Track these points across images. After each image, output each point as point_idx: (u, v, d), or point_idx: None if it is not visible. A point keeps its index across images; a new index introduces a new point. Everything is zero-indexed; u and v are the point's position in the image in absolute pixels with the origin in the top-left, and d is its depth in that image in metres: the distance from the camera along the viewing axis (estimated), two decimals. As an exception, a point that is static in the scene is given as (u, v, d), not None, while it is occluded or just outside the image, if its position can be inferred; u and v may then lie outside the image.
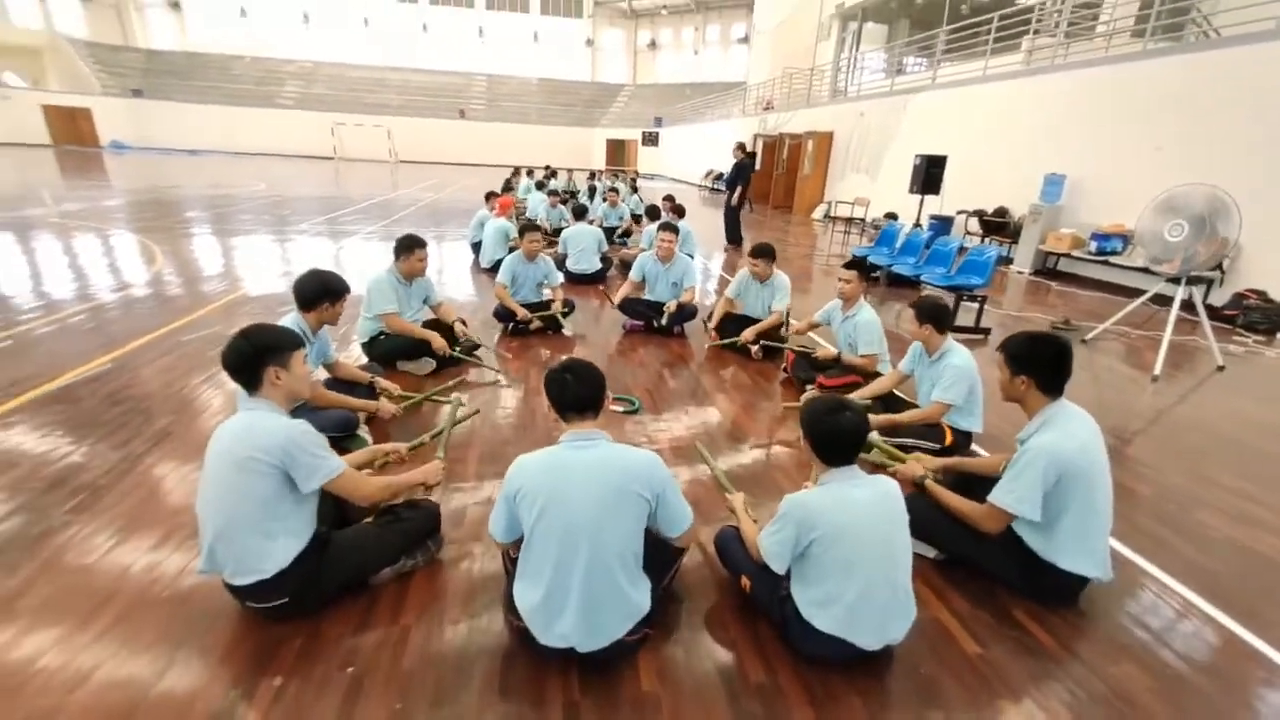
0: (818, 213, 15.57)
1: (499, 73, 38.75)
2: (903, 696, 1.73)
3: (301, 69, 36.19)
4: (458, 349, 4.06)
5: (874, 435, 2.87)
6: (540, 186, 11.99)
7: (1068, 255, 8.51)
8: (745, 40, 35.37)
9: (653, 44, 40.08)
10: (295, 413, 2.14)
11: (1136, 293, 7.61)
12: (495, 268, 6.99)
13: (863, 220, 12.21)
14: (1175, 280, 4.98)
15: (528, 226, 5.05)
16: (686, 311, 5.03)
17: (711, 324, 4.80)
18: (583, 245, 6.69)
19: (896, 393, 3.46)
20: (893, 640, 1.74)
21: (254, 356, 1.79)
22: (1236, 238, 4.57)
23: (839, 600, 1.69)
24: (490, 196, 7.75)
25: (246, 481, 1.71)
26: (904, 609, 1.75)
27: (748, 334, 4.50)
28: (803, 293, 4.90)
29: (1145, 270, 7.40)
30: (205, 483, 1.77)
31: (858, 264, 3.89)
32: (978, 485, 2.28)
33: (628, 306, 5.13)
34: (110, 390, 3.54)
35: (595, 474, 1.65)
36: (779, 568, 1.79)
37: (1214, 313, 6.79)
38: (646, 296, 5.24)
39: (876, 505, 1.75)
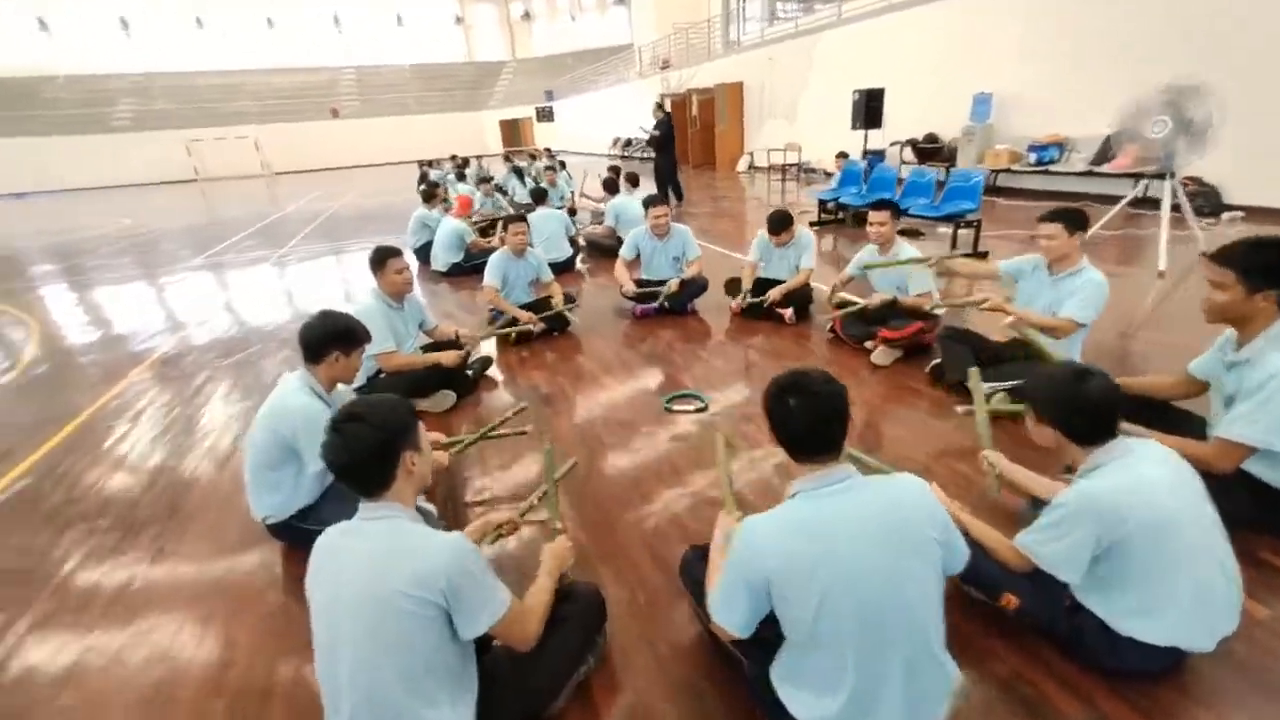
0: (741, 164, 15.42)
1: (367, 63, 35.69)
2: (1239, 694, 1.47)
3: (133, 84, 31.65)
4: (471, 368, 3.47)
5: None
6: (462, 176, 11.03)
7: (1007, 170, 8.75)
8: (622, 2, 34.42)
9: (526, 15, 38.17)
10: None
11: (1078, 196, 8.01)
12: (452, 272, 6.36)
13: (797, 166, 12.12)
14: (1159, 176, 5.06)
15: (512, 218, 4.42)
16: (696, 286, 4.60)
17: (741, 297, 4.38)
18: (548, 232, 6.07)
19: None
20: (1227, 633, 1.46)
21: (386, 445, 1.29)
22: (1214, 121, 4.61)
23: (1169, 604, 1.39)
24: (431, 197, 6.90)
25: (400, 630, 1.19)
26: (1235, 596, 1.47)
27: (775, 294, 4.15)
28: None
29: (1088, 173, 7.73)
30: (329, 638, 1.23)
31: (888, 204, 3.60)
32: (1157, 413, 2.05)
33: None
34: (48, 507, 2.71)
35: (876, 527, 1.19)
36: (1073, 576, 1.46)
37: (1148, 203, 7.21)
38: (644, 275, 4.77)
39: (1179, 478, 1.45)
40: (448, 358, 3.23)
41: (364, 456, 1.26)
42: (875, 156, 10.41)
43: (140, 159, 28.32)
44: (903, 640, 1.18)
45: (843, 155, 8.45)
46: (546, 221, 6.12)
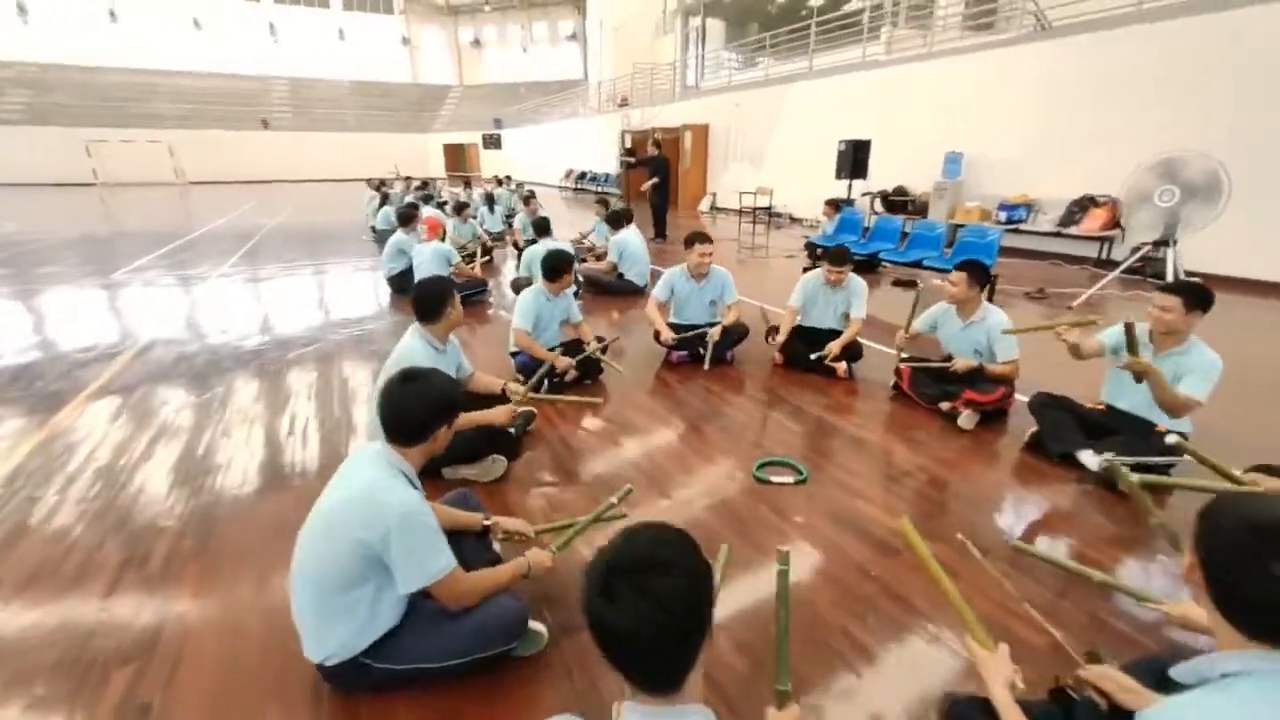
0: (703, 204, 15.55)
1: (303, 75, 33.96)
2: None
3: (24, 74, 28.48)
4: (515, 426, 2.93)
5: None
6: (428, 199, 10.33)
7: (961, 225, 9.11)
8: (574, 38, 34.84)
9: (476, 42, 37.84)
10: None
11: (1045, 255, 8.45)
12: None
13: (768, 210, 12.25)
14: (1164, 242, 5.26)
15: (561, 256, 3.83)
16: (736, 333, 4.26)
17: (779, 339, 4.10)
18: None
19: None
20: None
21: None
22: (1224, 206, 4.84)
23: None
24: (409, 219, 6.26)
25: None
26: None
27: (835, 346, 3.87)
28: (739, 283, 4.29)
29: (1056, 234, 8.15)
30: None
31: (968, 266, 3.41)
32: None
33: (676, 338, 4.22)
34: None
35: None
36: None
37: (1106, 264, 7.66)
38: (674, 319, 4.39)
39: None
40: (499, 415, 2.63)
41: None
42: (844, 204, 10.77)
43: (29, 156, 25.26)
44: None
45: (833, 203, 8.54)
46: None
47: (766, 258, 8.72)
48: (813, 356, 3.91)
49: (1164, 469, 2.58)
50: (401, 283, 6.10)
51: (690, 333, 4.17)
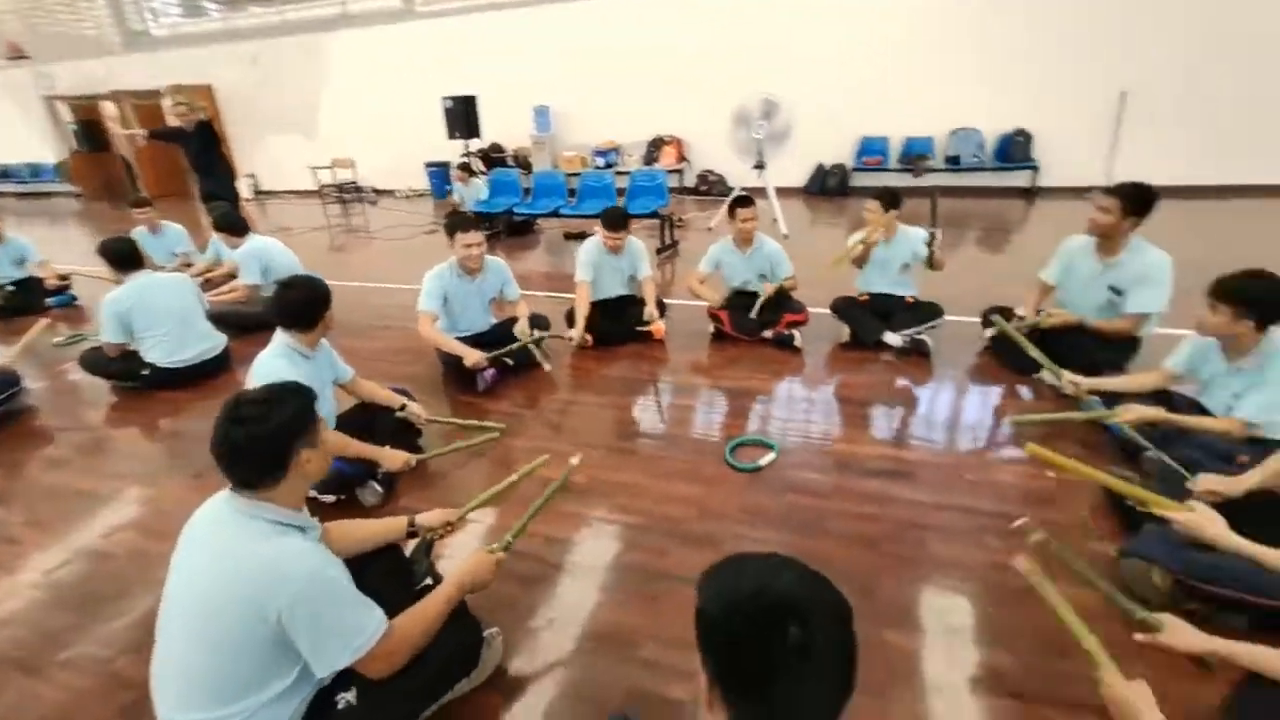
0: (243, 189, 12.12)
1: None
2: None
3: None
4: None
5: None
6: None
7: (576, 174, 9.85)
8: None
9: None
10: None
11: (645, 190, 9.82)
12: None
13: (355, 186, 10.42)
14: (760, 167, 6.65)
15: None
16: (540, 327, 3.58)
17: (580, 320, 3.64)
18: (180, 309, 3.49)
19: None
20: None
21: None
22: (790, 123, 6.39)
23: None
24: None
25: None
26: None
27: (653, 310, 3.69)
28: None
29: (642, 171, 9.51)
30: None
31: (741, 200, 3.68)
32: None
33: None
34: None
35: None
36: None
37: (690, 191, 9.55)
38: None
39: None
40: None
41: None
42: (440, 169, 10.17)
43: None
44: None
45: (466, 167, 7.83)
46: (168, 291, 3.51)
47: (404, 239, 7.51)
48: (639, 328, 3.69)
49: (932, 327, 3.47)
50: None
51: (503, 350, 3.30)
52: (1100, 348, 2.88)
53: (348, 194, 10.42)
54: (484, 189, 7.53)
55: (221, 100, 11.96)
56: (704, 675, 0.70)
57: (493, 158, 10.13)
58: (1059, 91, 7.45)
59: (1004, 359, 3.22)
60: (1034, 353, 2.77)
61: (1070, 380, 2.58)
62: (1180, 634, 1.21)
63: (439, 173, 10.39)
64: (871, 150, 8.51)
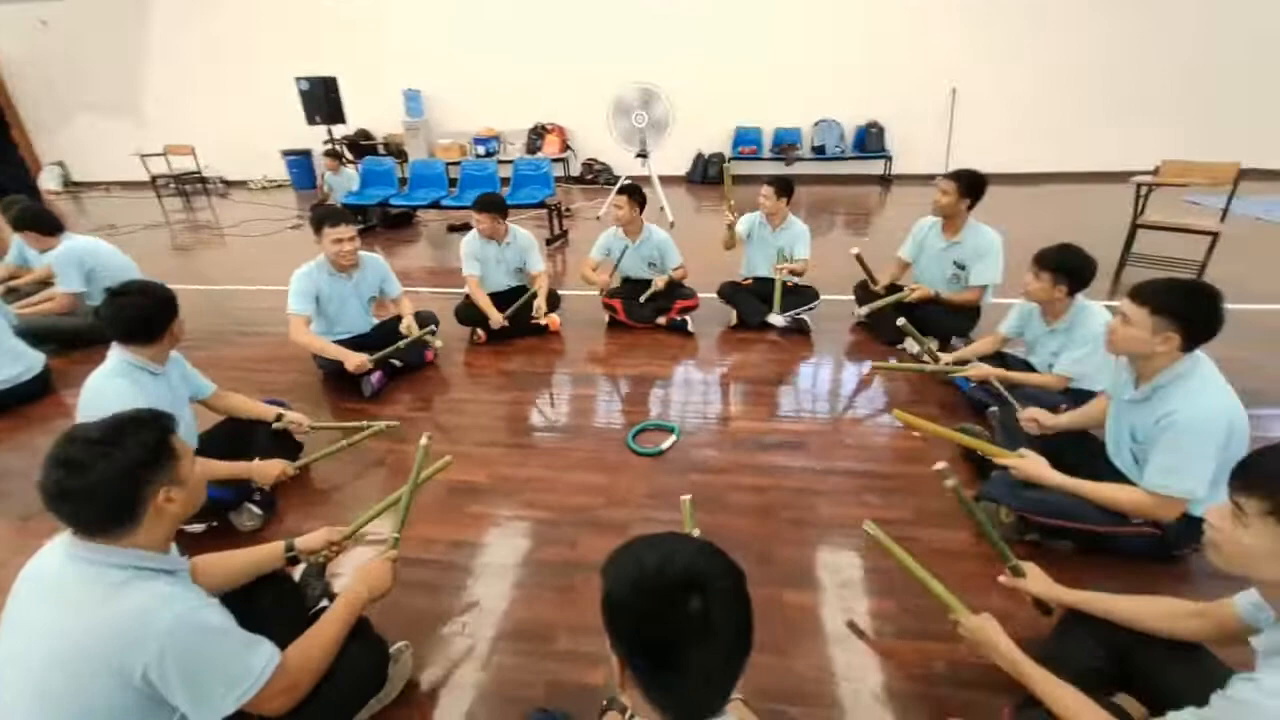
0: (47, 179, 10.34)
1: None
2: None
3: None
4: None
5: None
6: None
7: (456, 163, 9.41)
8: None
9: None
10: None
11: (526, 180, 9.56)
12: None
13: (199, 176, 9.23)
14: (643, 155, 6.71)
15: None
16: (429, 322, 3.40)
17: (490, 314, 3.55)
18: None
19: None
20: None
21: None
22: (670, 113, 6.50)
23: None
24: None
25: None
26: None
27: (543, 304, 3.65)
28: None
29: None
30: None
31: (627, 190, 3.72)
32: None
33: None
34: None
35: None
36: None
37: (576, 180, 9.47)
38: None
39: None
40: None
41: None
42: (301, 157, 9.33)
43: None
44: None
45: (336, 154, 7.19)
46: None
47: (264, 235, 6.80)
48: (533, 321, 3.63)
49: (811, 309, 3.72)
50: None
51: (389, 350, 3.08)
52: (950, 316, 3.27)
53: (190, 185, 9.21)
54: (355, 179, 6.99)
55: (8, 73, 10.08)
56: (615, 657, 0.74)
57: (362, 145, 9.43)
58: (905, 86, 8.22)
59: (875, 333, 3.55)
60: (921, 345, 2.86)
61: (1030, 417, 2.16)
62: (1039, 582, 1.44)
63: (300, 161, 9.51)
64: (746, 140, 8.92)
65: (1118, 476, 1.83)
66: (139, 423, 1.12)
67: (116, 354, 1.97)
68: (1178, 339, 1.61)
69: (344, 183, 7.10)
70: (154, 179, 8.87)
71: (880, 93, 8.34)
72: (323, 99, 7.11)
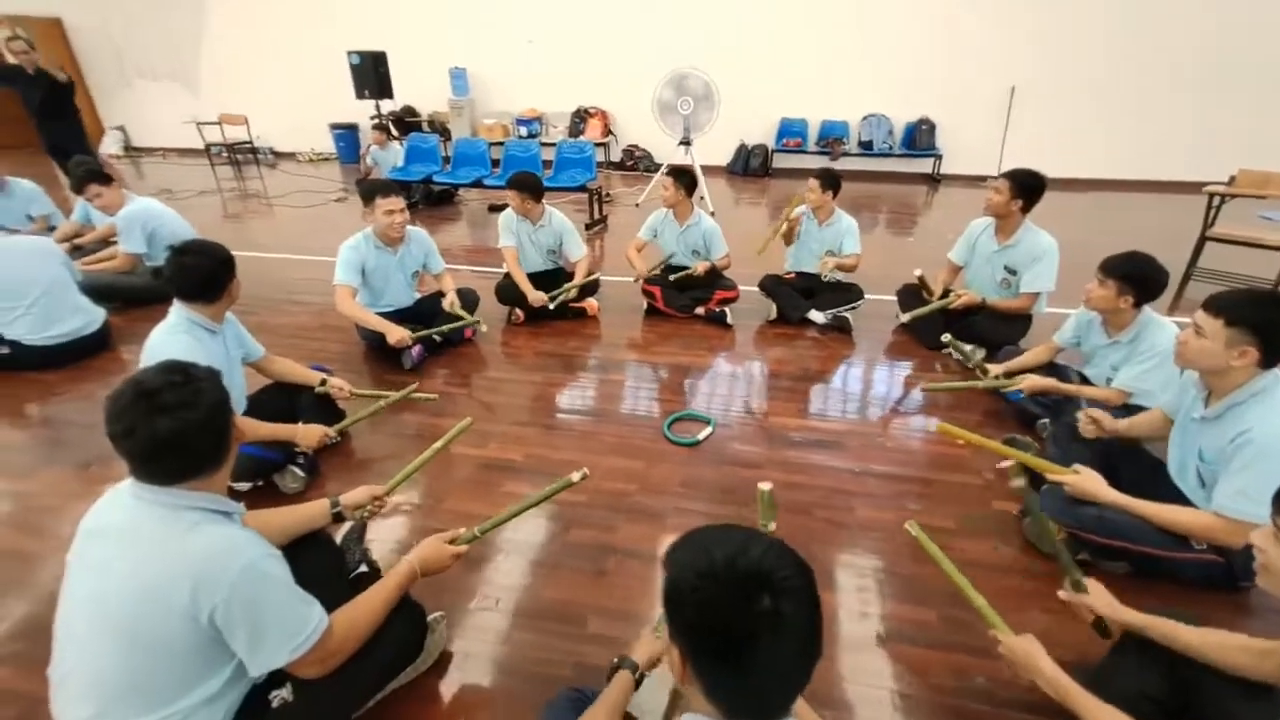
0: (109, 144, 10.71)
1: None
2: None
3: None
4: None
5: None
6: None
7: (499, 143, 9.45)
8: None
9: None
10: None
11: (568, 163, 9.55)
12: None
13: (251, 146, 9.46)
14: (686, 143, 6.63)
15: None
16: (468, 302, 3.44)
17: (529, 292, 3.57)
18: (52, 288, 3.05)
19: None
20: None
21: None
22: (717, 97, 6.40)
23: None
24: None
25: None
26: None
27: (573, 290, 3.63)
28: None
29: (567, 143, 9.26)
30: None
31: (675, 171, 3.67)
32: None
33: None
34: None
35: None
36: None
37: (616, 165, 9.42)
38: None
39: None
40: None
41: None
42: (348, 131, 9.50)
43: None
44: None
45: (383, 129, 7.31)
46: (29, 258, 3.08)
47: (311, 206, 6.94)
48: (571, 305, 3.64)
49: (854, 308, 3.64)
50: None
51: (431, 330, 3.15)
52: (999, 324, 3.16)
53: (241, 155, 9.44)
54: (400, 154, 7.08)
55: (76, 38, 10.43)
56: (675, 649, 0.72)
57: (407, 122, 9.52)
58: (961, 81, 7.94)
59: (917, 336, 3.46)
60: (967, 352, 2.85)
61: (1091, 417, 2.07)
62: (1102, 600, 1.35)
63: (346, 135, 9.66)
64: (791, 132, 8.74)
65: (1178, 497, 1.75)
66: (200, 367, 1.13)
67: (178, 310, 2.04)
68: (1255, 353, 1.52)
69: (389, 158, 7.19)
70: (208, 147, 9.12)
71: (933, 87, 8.07)
72: (372, 73, 7.20)
